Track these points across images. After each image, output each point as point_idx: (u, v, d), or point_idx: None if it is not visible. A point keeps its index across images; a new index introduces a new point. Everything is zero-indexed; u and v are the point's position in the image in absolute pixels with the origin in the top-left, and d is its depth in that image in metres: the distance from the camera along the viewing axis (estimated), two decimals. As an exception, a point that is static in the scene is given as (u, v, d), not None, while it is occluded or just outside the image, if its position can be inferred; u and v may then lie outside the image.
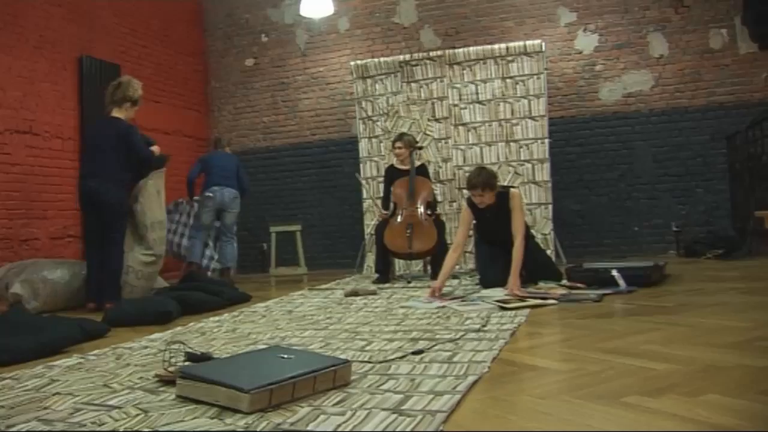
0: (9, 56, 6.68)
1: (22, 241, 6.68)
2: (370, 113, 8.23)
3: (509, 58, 7.72)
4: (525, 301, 4.42)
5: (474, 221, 5.72)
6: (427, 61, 8.01)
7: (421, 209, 6.64)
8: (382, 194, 7.23)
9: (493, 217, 5.46)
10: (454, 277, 6.55)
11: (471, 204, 5.49)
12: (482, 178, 5.27)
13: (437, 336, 3.34)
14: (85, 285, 5.91)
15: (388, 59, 8.26)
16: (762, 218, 6.59)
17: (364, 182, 7.90)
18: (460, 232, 5.61)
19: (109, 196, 5.76)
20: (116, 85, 5.97)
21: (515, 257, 5.11)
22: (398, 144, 6.87)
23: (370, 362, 2.78)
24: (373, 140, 8.20)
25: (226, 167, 7.83)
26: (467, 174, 5.68)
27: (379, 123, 8.17)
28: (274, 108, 10.00)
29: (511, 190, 5.48)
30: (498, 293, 4.82)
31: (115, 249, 5.81)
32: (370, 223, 7.99)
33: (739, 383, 2.17)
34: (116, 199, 5.81)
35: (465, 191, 7.56)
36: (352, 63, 8.47)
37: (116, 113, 5.91)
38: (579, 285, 5.01)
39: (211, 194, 7.69)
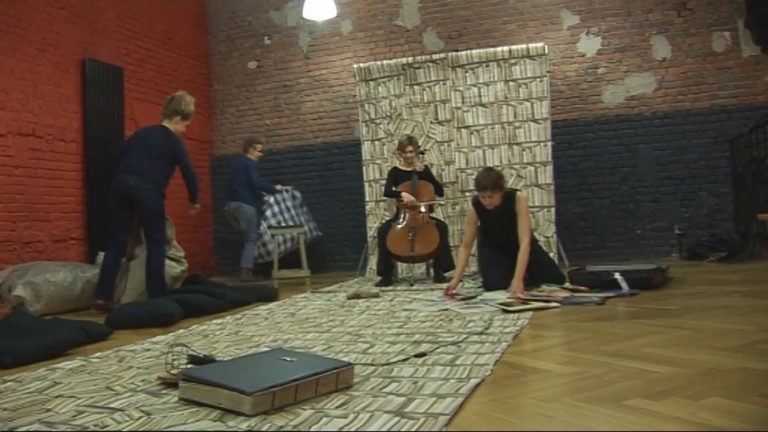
0: (12, 59, 6.70)
1: (25, 243, 6.69)
2: (372, 116, 8.24)
3: (512, 61, 7.72)
4: (528, 303, 4.42)
5: (478, 223, 5.71)
6: (430, 64, 8.02)
7: (423, 210, 6.65)
8: (384, 192, 7.20)
9: (497, 219, 5.46)
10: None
11: (476, 204, 5.50)
12: (492, 179, 5.28)
13: (440, 339, 3.34)
14: (98, 282, 5.88)
15: (391, 62, 8.27)
16: (765, 221, 6.60)
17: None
18: (468, 230, 5.62)
19: (148, 195, 5.82)
20: (169, 99, 6.13)
21: (520, 260, 5.12)
22: (409, 148, 6.89)
23: (372, 365, 2.78)
24: (376, 143, 8.21)
25: (234, 178, 8.74)
26: (475, 175, 5.65)
27: (381, 126, 8.18)
28: (277, 111, 10.01)
29: (517, 193, 5.48)
30: (500, 296, 4.82)
31: (156, 249, 5.86)
32: (372, 225, 8.00)
33: (741, 386, 2.17)
34: (154, 199, 5.87)
35: (468, 194, 7.62)
36: (355, 66, 8.47)
37: (166, 124, 6.05)
38: (582, 288, 5.01)
39: (226, 208, 8.84)
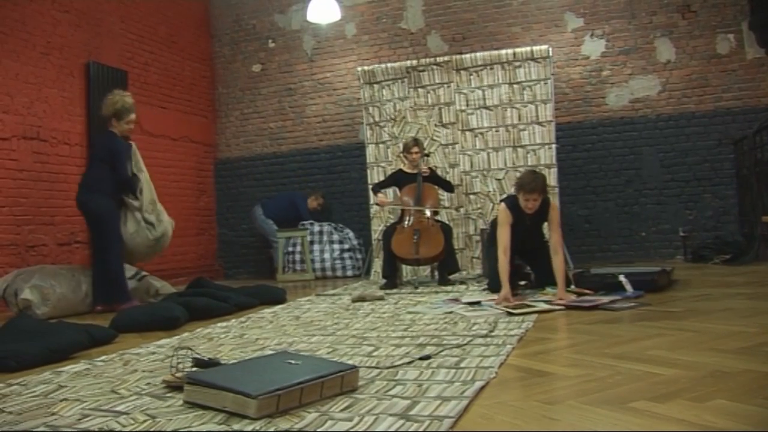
0: (16, 62, 6.71)
1: (30, 247, 6.70)
2: (377, 119, 8.24)
3: (516, 64, 7.72)
4: (533, 306, 4.41)
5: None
6: (434, 67, 8.02)
7: (428, 215, 6.64)
8: (374, 185, 7.27)
9: (531, 223, 5.35)
10: (462, 282, 6.55)
11: (513, 207, 5.27)
12: (539, 183, 5.10)
13: (444, 341, 3.33)
14: (93, 289, 6.02)
15: (395, 65, 8.27)
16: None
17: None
18: (505, 234, 5.22)
19: (93, 205, 5.97)
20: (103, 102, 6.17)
21: (560, 272, 4.99)
22: (415, 149, 6.87)
23: (377, 368, 2.78)
24: (381, 146, 8.21)
25: (280, 195, 9.64)
26: (519, 178, 5.39)
27: (386, 129, 8.18)
28: (281, 114, 10.02)
29: (552, 201, 5.37)
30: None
31: (111, 254, 5.95)
32: (377, 228, 8.00)
33: (746, 388, 2.16)
34: (101, 208, 5.97)
35: (472, 196, 7.62)
36: (359, 68, 8.48)
37: (111, 128, 6.10)
38: (586, 291, 4.99)
39: None
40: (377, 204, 6.94)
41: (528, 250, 5.38)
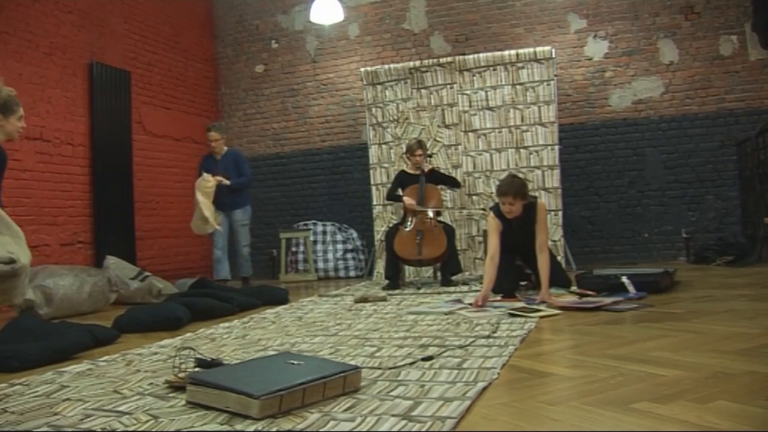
0: (19, 63, 6.72)
1: (32, 247, 6.65)
2: (380, 120, 8.24)
3: (519, 65, 7.71)
4: (543, 310, 4.40)
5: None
6: (437, 68, 8.01)
7: (431, 215, 6.64)
8: (387, 195, 7.25)
9: (519, 228, 5.27)
10: (464, 283, 6.55)
11: (499, 214, 5.24)
12: (515, 186, 5.06)
13: (447, 342, 3.33)
14: None
15: (398, 66, 8.26)
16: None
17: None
18: (493, 241, 5.20)
19: None
20: None
21: (544, 271, 4.93)
22: (419, 151, 6.84)
23: (379, 368, 2.78)
24: (383, 146, 8.20)
25: None
26: (498, 182, 5.45)
27: (389, 129, 8.17)
28: (284, 114, 10.03)
29: (539, 201, 5.31)
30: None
31: None
32: (380, 229, 7.99)
33: (748, 390, 2.16)
34: None
35: (475, 197, 7.61)
36: (362, 69, 8.47)
37: None
38: (589, 292, 4.98)
39: None
40: (408, 207, 6.81)
41: (525, 253, 5.35)
